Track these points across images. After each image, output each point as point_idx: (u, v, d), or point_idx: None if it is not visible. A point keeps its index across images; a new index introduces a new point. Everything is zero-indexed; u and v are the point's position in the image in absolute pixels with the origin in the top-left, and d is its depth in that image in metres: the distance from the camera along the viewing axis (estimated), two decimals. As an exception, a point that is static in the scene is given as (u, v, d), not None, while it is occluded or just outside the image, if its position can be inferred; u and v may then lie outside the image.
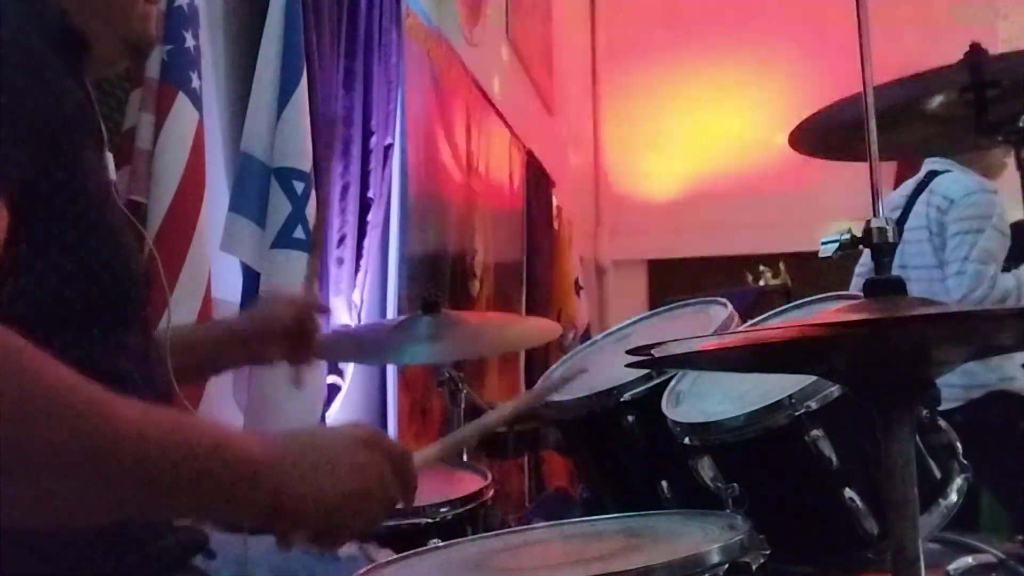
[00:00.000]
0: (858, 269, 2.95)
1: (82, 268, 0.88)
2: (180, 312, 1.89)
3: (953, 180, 2.78)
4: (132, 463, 0.71)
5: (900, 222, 2.86)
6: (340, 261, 2.68)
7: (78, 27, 0.97)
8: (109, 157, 1.02)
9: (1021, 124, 1.36)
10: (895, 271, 2.93)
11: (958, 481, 1.36)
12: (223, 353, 1.42)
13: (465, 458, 2.07)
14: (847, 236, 1.02)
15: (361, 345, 2.22)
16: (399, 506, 0.92)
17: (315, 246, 1.97)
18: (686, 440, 1.39)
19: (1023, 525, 2.40)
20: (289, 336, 1.41)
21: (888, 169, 3.02)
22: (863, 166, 1.06)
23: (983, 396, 2.66)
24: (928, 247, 2.77)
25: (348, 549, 1.25)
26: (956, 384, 2.67)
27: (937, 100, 1.42)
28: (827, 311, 1.47)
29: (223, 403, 2.15)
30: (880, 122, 1.02)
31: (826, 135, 1.46)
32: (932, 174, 2.84)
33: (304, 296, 1.50)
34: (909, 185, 2.90)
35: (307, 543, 0.84)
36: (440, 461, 1.09)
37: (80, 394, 0.70)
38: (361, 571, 1.14)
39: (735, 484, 1.34)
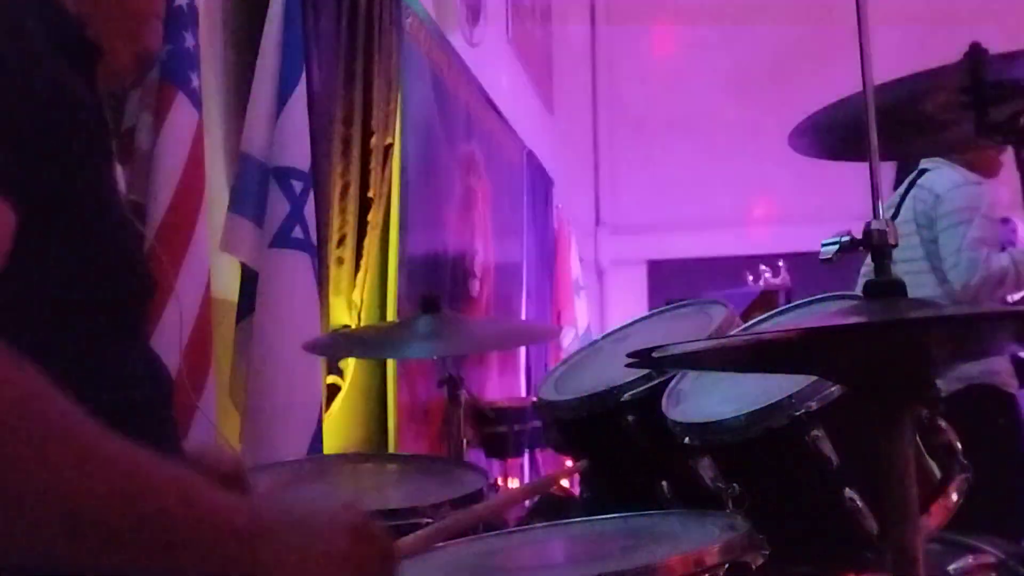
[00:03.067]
0: (863, 270, 2.96)
1: (85, 273, 0.87)
2: (180, 312, 1.89)
3: (938, 175, 2.84)
4: (102, 519, 0.68)
5: (892, 219, 2.90)
6: (340, 261, 2.68)
7: (93, 37, 0.96)
8: (118, 168, 1.02)
9: (1021, 124, 1.36)
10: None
11: (958, 481, 1.36)
12: None
13: (466, 458, 2.08)
14: (847, 238, 1.02)
15: (361, 342, 2.22)
16: None
17: None
18: (686, 440, 1.39)
19: (998, 523, 2.37)
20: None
21: (888, 169, 3.03)
22: (863, 166, 1.06)
23: (964, 388, 2.61)
24: (915, 240, 2.81)
25: None
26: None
27: (937, 100, 1.42)
28: (827, 312, 1.47)
29: (221, 404, 2.15)
30: (880, 122, 1.02)
31: (826, 135, 1.46)
32: (922, 172, 2.89)
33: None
34: (903, 185, 2.96)
35: None
36: (427, 548, 1.08)
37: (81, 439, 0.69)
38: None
39: (735, 484, 1.34)
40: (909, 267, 2.79)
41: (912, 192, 2.89)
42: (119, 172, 1.04)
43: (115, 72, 1.02)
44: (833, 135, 1.43)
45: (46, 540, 0.67)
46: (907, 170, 3.00)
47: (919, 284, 2.75)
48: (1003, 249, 2.77)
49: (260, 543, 0.77)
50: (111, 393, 0.89)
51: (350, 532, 0.85)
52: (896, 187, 3.04)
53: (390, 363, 3.13)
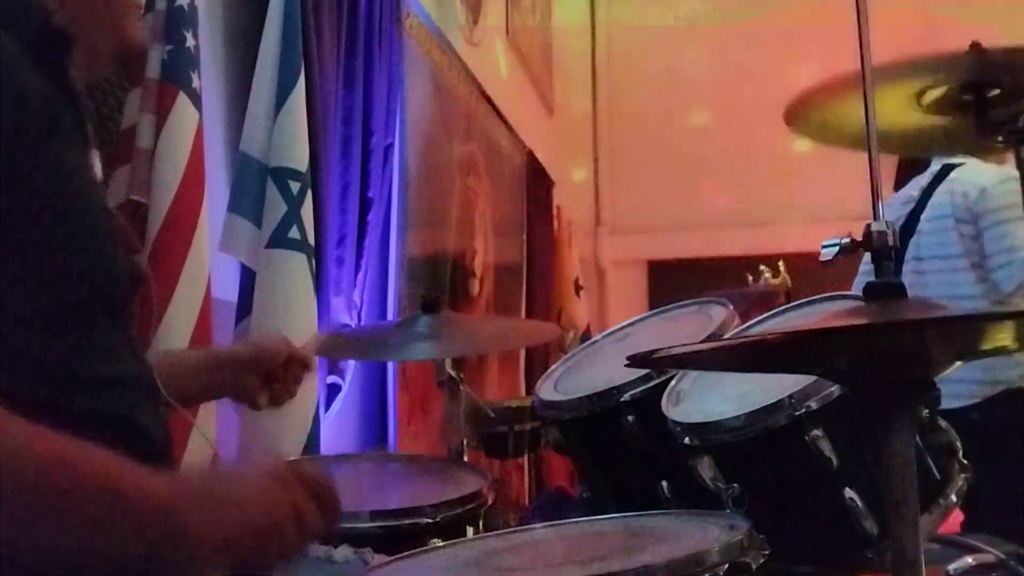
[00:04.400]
0: (862, 268, 2.91)
1: (57, 271, 0.85)
2: (180, 312, 1.90)
3: (978, 169, 2.73)
4: (12, 495, 0.69)
5: (914, 215, 2.81)
6: (340, 261, 2.68)
7: (64, 26, 0.94)
8: (95, 156, 0.99)
9: (1021, 124, 1.36)
10: (909, 263, 2.91)
11: (958, 481, 1.36)
12: (209, 378, 1.42)
13: (466, 458, 2.07)
14: (847, 240, 1.02)
15: (361, 343, 2.22)
16: (320, 534, 0.91)
17: None
18: (686, 440, 1.39)
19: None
20: (271, 375, 1.43)
21: (888, 168, 3.02)
22: (863, 166, 1.06)
23: (1001, 393, 2.57)
24: (953, 236, 2.70)
25: (344, 553, 1.25)
26: (974, 380, 2.57)
27: (936, 95, 1.42)
28: (827, 312, 1.47)
29: (220, 404, 2.15)
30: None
31: (823, 117, 1.42)
32: (948, 167, 2.80)
33: (302, 348, 1.52)
34: (923, 179, 2.84)
35: None
36: None
37: None
38: (360, 573, 1.14)
39: (735, 484, 1.34)
40: (944, 264, 2.69)
41: (945, 186, 2.76)
42: (99, 169, 1.00)
43: (93, 63, 1.00)
44: (830, 117, 1.41)
45: None
46: (912, 168, 2.94)
47: (955, 282, 2.66)
48: None
49: (185, 513, 0.78)
50: (92, 392, 0.88)
51: (273, 478, 0.86)
52: (897, 187, 2.99)
53: (390, 363, 3.12)
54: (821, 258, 1.04)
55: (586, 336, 5.45)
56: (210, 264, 2.01)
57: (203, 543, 0.79)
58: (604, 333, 1.97)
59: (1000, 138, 1.38)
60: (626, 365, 1.02)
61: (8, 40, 0.86)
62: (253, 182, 2.24)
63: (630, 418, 1.53)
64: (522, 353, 4.85)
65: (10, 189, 0.82)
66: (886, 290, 0.95)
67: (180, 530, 0.77)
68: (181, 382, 1.31)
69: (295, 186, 2.25)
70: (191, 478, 0.85)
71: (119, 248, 0.94)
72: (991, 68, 1.36)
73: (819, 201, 5.91)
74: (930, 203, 2.77)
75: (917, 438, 1.21)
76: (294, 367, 1.44)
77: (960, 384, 2.54)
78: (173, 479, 0.81)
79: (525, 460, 4.30)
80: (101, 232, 0.91)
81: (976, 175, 2.71)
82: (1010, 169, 2.71)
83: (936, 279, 2.69)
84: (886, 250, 0.99)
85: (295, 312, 2.23)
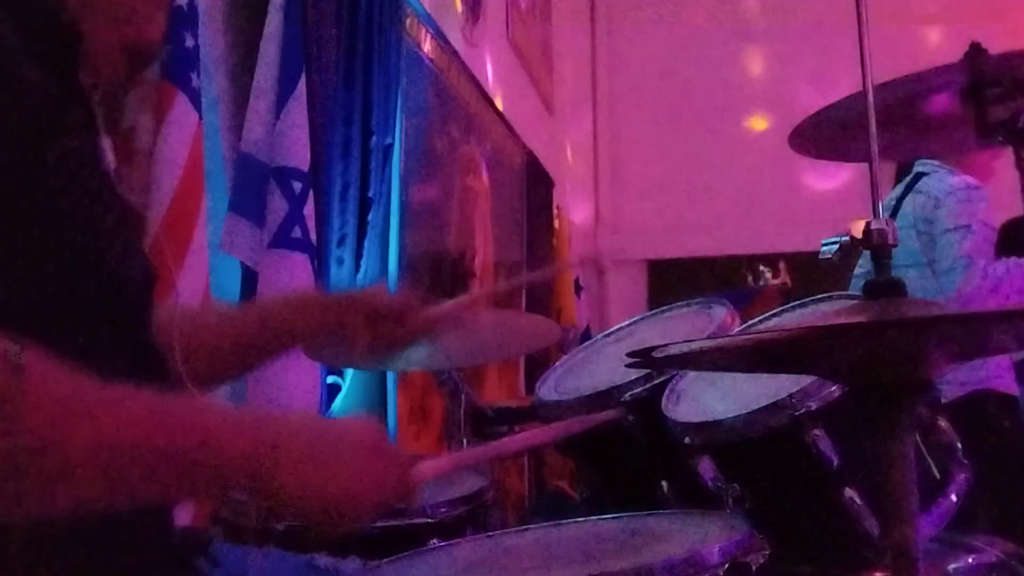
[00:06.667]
0: (857, 270, 2.97)
1: (65, 270, 0.85)
2: (180, 312, 1.89)
3: (938, 180, 2.85)
4: (110, 459, 0.75)
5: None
6: (340, 261, 2.68)
7: (73, 24, 0.93)
8: (107, 144, 0.98)
9: (1021, 124, 1.36)
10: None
11: (958, 481, 1.36)
12: (318, 317, 1.36)
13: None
14: (847, 238, 1.02)
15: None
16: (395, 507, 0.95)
17: None
18: (686, 440, 1.39)
19: (1000, 524, 2.37)
20: (379, 317, 1.37)
21: (888, 169, 3.03)
22: (863, 166, 1.06)
23: (967, 394, 2.64)
24: (915, 244, 2.81)
25: (324, 560, 1.25)
26: (942, 382, 2.64)
27: (937, 101, 1.42)
28: (827, 312, 1.47)
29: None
30: (880, 121, 1.02)
31: (826, 135, 1.45)
32: (919, 176, 2.89)
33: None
34: (900, 187, 2.96)
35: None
36: (442, 474, 1.09)
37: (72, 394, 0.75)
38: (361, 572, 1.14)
39: (735, 484, 1.34)
40: (912, 272, 2.78)
41: (910, 196, 2.89)
42: (112, 160, 0.99)
43: (102, 62, 0.98)
44: (833, 135, 1.43)
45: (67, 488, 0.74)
46: (907, 171, 3.00)
47: (923, 288, 2.74)
48: (998, 256, 2.77)
49: (270, 459, 0.83)
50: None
51: (367, 446, 0.90)
52: (894, 188, 3.04)
53: (390, 363, 3.12)
54: (821, 256, 1.04)
55: (586, 336, 5.46)
56: (210, 264, 2.01)
57: (281, 491, 0.83)
58: (604, 333, 1.97)
59: (1000, 138, 1.38)
60: (627, 365, 1.02)
61: (14, 37, 0.85)
62: (254, 182, 2.24)
63: (630, 418, 1.53)
64: (522, 352, 4.85)
65: (17, 188, 0.81)
66: (886, 288, 0.95)
67: (259, 475, 0.82)
68: (288, 323, 1.32)
69: (297, 186, 2.25)
70: (284, 427, 0.87)
71: (131, 247, 0.94)
72: (991, 69, 1.36)
73: (819, 201, 5.91)
74: (899, 212, 2.86)
75: (917, 438, 1.21)
76: (409, 317, 1.38)
77: None
78: (262, 429, 0.85)
79: (525, 460, 4.29)
80: (111, 232, 0.90)
81: (934, 186, 2.85)
82: (969, 179, 2.81)
83: (912, 284, 2.75)
84: (886, 248, 0.99)
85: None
